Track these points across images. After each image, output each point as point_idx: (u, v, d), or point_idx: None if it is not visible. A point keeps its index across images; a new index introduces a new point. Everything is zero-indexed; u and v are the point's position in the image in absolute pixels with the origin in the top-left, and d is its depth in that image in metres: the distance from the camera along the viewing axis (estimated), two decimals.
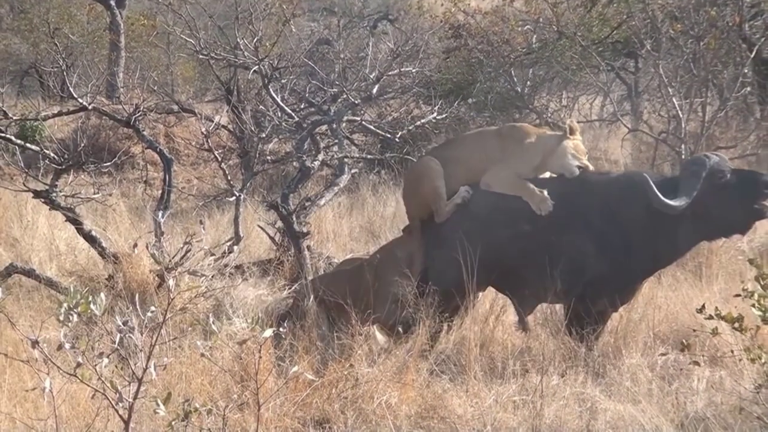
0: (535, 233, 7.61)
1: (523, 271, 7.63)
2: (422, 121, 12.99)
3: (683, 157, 11.64)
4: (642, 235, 7.48)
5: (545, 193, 7.59)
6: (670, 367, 7.27)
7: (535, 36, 15.60)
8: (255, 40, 11.52)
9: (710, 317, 5.14)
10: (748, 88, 14.24)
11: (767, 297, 4.97)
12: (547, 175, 7.87)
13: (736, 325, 5.03)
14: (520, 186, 7.70)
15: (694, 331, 7.07)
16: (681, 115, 11.93)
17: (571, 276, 7.49)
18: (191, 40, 12.82)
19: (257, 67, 11.47)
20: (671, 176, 7.67)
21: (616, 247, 7.51)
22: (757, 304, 4.95)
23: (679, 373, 7.15)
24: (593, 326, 7.59)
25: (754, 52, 13.29)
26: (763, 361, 4.97)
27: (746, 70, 13.59)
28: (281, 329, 5.79)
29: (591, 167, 7.84)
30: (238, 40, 11.83)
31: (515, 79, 15.18)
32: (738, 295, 5.11)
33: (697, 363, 5.98)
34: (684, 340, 6.81)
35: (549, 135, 7.93)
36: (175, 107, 15.35)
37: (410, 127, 12.88)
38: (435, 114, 12.62)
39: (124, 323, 4.88)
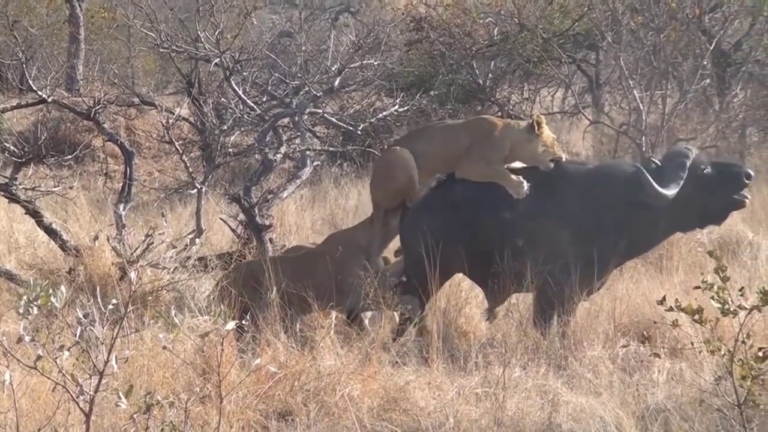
0: (512, 221, 7.65)
1: (499, 260, 7.60)
2: (384, 113, 12.99)
3: (644, 149, 11.69)
4: (620, 225, 7.56)
5: (521, 177, 7.63)
6: (631, 359, 7.26)
7: (496, 28, 15.64)
8: (216, 32, 11.46)
9: (670, 309, 5.13)
10: (708, 80, 14.34)
11: (726, 289, 4.97)
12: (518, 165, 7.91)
13: (696, 317, 5.02)
14: (495, 172, 7.74)
15: (655, 323, 7.13)
16: (642, 107, 11.98)
17: (545, 263, 7.51)
18: (152, 33, 12.72)
19: (219, 59, 11.42)
20: (657, 166, 7.69)
21: (591, 236, 7.56)
22: (716, 297, 4.94)
23: (640, 365, 7.15)
24: (561, 316, 7.62)
25: (713, 45, 13.40)
26: (722, 353, 4.98)
27: (705, 62, 13.69)
28: (244, 322, 5.77)
29: (565, 157, 7.89)
30: (199, 32, 11.77)
31: (477, 72, 15.21)
32: (698, 287, 5.11)
33: (657, 355, 6.00)
34: (645, 332, 6.87)
35: (515, 127, 7.93)
36: (136, 100, 15.26)
37: (372, 120, 12.89)
38: (397, 106, 12.62)
39: (85, 316, 4.84)
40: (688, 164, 7.44)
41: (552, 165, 7.76)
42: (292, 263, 8.25)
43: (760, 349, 4.94)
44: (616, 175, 7.67)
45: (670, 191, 7.33)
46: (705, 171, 7.50)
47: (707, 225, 8.12)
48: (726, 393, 5.19)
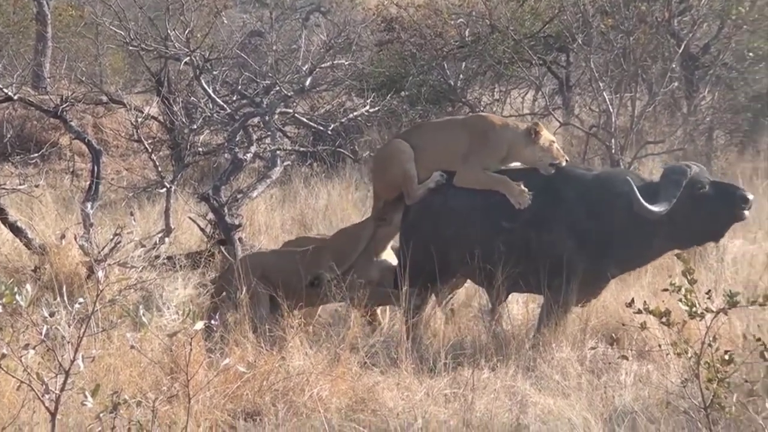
0: (515, 227, 7.68)
1: (503, 263, 7.63)
2: (355, 113, 13.01)
3: (613, 151, 11.73)
4: (619, 234, 7.59)
5: (522, 185, 7.64)
6: (599, 361, 7.31)
7: (467, 29, 15.60)
8: (186, 31, 11.42)
9: (639, 311, 5.16)
10: (676, 83, 14.40)
11: (694, 291, 5.00)
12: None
13: (664, 319, 5.05)
14: (495, 181, 7.77)
15: (623, 325, 7.12)
16: (611, 110, 12.01)
17: (550, 269, 7.54)
18: (120, 31, 12.65)
19: (188, 58, 11.36)
20: (651, 181, 7.74)
21: (594, 243, 7.60)
22: (684, 299, 4.97)
23: (608, 366, 7.19)
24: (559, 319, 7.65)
25: (682, 48, 13.44)
26: (689, 355, 5.00)
27: (674, 65, 13.74)
28: (213, 321, 5.75)
29: (566, 160, 7.88)
30: (169, 31, 11.72)
31: (448, 73, 15.22)
32: (666, 290, 5.13)
33: (625, 357, 6.03)
34: (613, 334, 6.89)
35: (514, 129, 7.94)
36: (104, 98, 15.17)
37: (343, 120, 12.95)
38: (368, 107, 12.64)
39: (51, 314, 4.80)
40: (683, 182, 7.44)
41: (552, 170, 7.76)
42: (301, 257, 8.27)
43: (726, 351, 4.96)
44: (617, 185, 7.65)
45: (660, 208, 7.33)
46: (702, 191, 7.50)
47: (704, 243, 8.20)
48: (692, 395, 5.20)
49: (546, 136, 7.82)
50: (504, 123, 8.08)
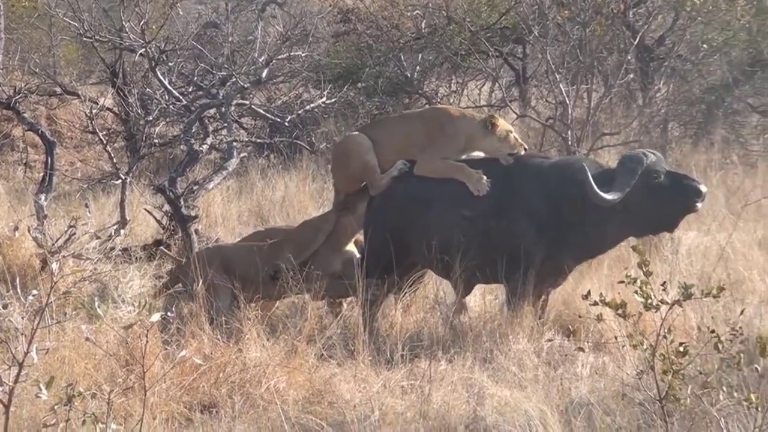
0: (474, 216, 7.69)
1: (464, 254, 7.64)
2: (312, 105, 13.05)
3: (569, 143, 11.76)
4: (577, 222, 7.60)
5: (480, 173, 7.66)
6: (555, 353, 7.33)
7: (424, 21, 15.59)
8: (141, 22, 11.34)
9: (595, 303, 5.16)
10: (631, 75, 14.47)
11: (649, 284, 5.01)
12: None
13: (620, 311, 5.05)
14: (454, 169, 7.79)
15: (580, 317, 7.08)
16: (567, 102, 12.03)
17: (510, 258, 7.57)
18: (74, 23, 12.52)
19: (144, 50, 11.28)
20: (609, 169, 7.79)
21: (553, 231, 7.62)
22: (639, 291, 4.98)
23: (564, 359, 7.21)
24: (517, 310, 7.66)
25: (637, 39, 13.52)
26: (644, 347, 5.01)
27: (630, 57, 13.81)
28: (169, 314, 5.73)
29: (525, 149, 7.91)
30: (124, 22, 11.59)
31: (404, 64, 15.20)
32: (622, 282, 5.15)
33: (581, 349, 6.02)
34: (570, 326, 6.93)
35: (471, 119, 7.99)
36: (58, 89, 15.05)
37: (300, 112, 12.95)
38: (324, 98, 12.66)
39: (4, 306, 4.77)
40: (639, 171, 7.46)
41: (511, 159, 7.79)
42: (261, 249, 8.25)
43: (681, 344, 4.98)
44: (573, 172, 7.62)
45: (613, 196, 7.35)
46: (657, 180, 7.51)
47: (659, 232, 8.22)
48: (648, 387, 5.21)
49: (503, 126, 7.85)
50: (461, 114, 8.12)
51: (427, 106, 14.36)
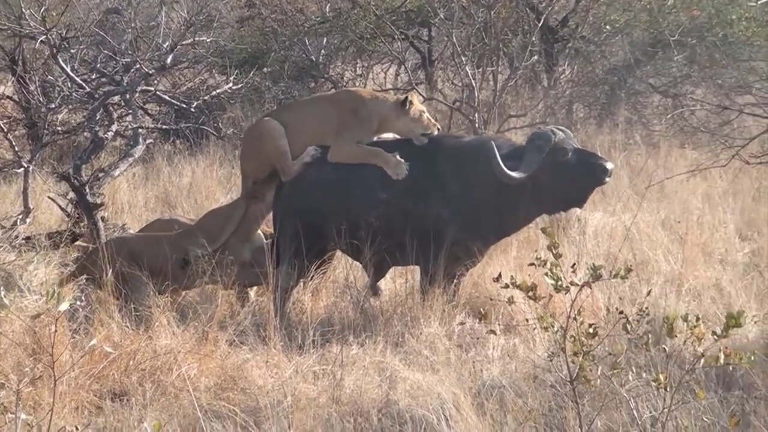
0: (390, 198, 7.69)
1: (378, 237, 7.67)
2: (218, 91, 13.01)
3: (476, 125, 11.84)
4: (489, 201, 7.63)
5: (398, 156, 7.67)
6: (467, 336, 7.36)
7: (328, 5, 15.55)
8: (42, 9, 11.14)
9: (506, 286, 5.18)
10: (536, 57, 14.61)
11: (559, 266, 5.03)
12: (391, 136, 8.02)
13: (530, 293, 5.07)
14: (370, 154, 7.80)
15: (491, 299, 7.06)
16: (474, 84, 12.11)
17: (425, 240, 7.61)
18: None
19: (44, 37, 11.08)
20: (520, 146, 7.84)
21: (467, 211, 7.65)
22: (549, 273, 4.99)
23: (476, 341, 7.25)
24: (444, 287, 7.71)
25: (541, 21, 13.63)
26: (555, 329, 5.06)
27: (534, 39, 13.94)
28: (79, 303, 5.66)
29: (438, 129, 7.96)
30: (24, 9, 11.38)
31: (310, 49, 15.14)
32: (532, 264, 5.20)
33: (493, 332, 6.05)
34: (481, 309, 6.95)
35: (383, 101, 8.02)
36: None
37: (205, 97, 12.83)
38: (231, 84, 12.58)
39: None
40: (546, 148, 7.51)
41: (425, 139, 7.83)
42: (168, 239, 8.21)
43: (590, 325, 4.99)
44: (484, 151, 7.63)
45: (519, 173, 7.41)
46: (564, 158, 7.57)
47: (569, 209, 8.27)
48: (558, 369, 5.26)
49: (417, 106, 7.88)
50: (373, 96, 8.15)
51: (333, 89, 14.36)
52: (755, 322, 6.60)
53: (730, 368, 5.67)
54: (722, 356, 4.64)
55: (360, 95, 8.15)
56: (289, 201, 7.99)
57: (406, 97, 7.88)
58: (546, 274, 5.01)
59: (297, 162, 7.94)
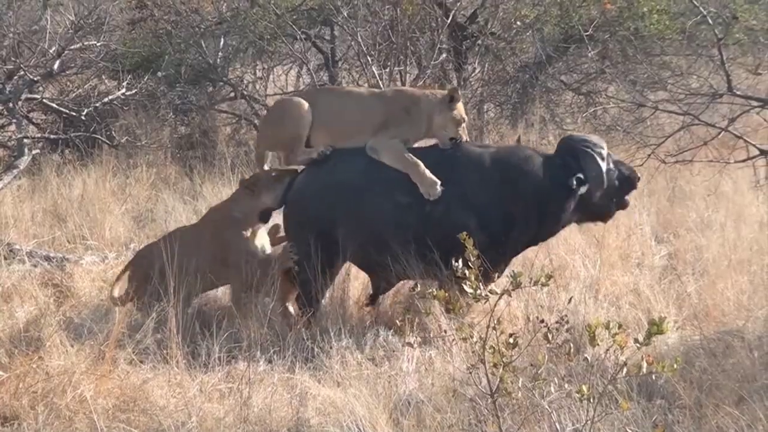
0: (411, 206, 7.37)
1: (395, 247, 7.36)
2: (110, 97, 12.82)
3: None
4: (528, 210, 7.38)
5: (435, 179, 7.33)
6: (379, 349, 7.18)
7: (225, 4, 15.25)
8: None
9: (423, 297, 5.12)
10: (445, 55, 14.35)
11: (478, 275, 4.93)
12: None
13: (449, 305, 5.08)
14: (410, 164, 7.43)
15: (407, 311, 7.02)
16: (381, 85, 11.85)
17: (448, 252, 7.13)
18: None
19: None
20: (549, 154, 7.66)
21: (496, 221, 7.35)
22: (468, 282, 4.88)
23: (390, 354, 7.08)
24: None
25: (449, 18, 13.40)
26: (474, 340, 4.90)
27: (442, 37, 13.70)
28: None
29: (466, 138, 7.69)
30: None
31: (206, 51, 14.72)
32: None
33: (410, 344, 5.88)
34: (396, 320, 6.80)
35: (433, 96, 7.72)
36: None
37: (97, 104, 12.54)
38: (123, 90, 12.25)
39: None
40: (605, 157, 7.45)
41: (450, 144, 7.55)
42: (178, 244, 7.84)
43: (510, 335, 4.86)
44: (526, 161, 7.50)
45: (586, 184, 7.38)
46: (628, 170, 7.63)
47: (596, 221, 8.00)
48: (478, 381, 5.12)
49: (461, 106, 7.66)
50: (425, 95, 7.80)
51: (232, 93, 14.06)
52: (677, 329, 6.77)
53: (653, 377, 5.51)
54: (645, 365, 4.57)
55: (414, 94, 7.84)
56: (300, 211, 7.66)
57: (456, 90, 7.68)
58: (464, 283, 4.86)
59: (306, 152, 7.65)
